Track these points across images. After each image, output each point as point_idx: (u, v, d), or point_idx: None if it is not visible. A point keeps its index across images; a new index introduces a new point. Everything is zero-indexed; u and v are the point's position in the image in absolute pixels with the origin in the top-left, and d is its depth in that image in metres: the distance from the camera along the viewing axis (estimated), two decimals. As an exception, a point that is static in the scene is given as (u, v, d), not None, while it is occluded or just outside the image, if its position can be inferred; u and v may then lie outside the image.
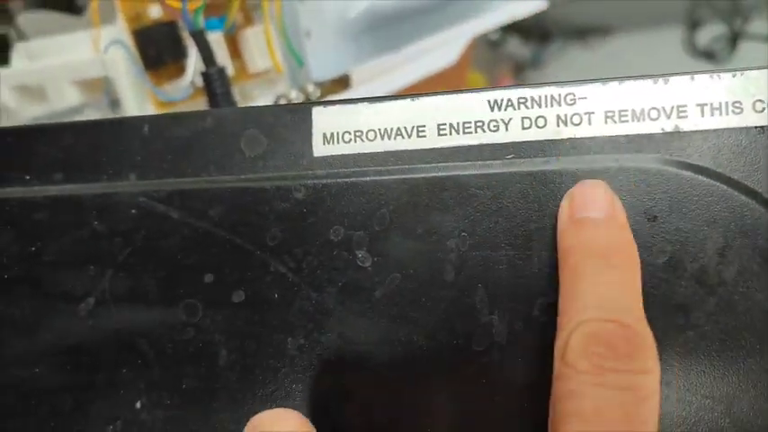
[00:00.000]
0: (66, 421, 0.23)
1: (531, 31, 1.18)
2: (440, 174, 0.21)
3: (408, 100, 0.22)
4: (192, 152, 0.23)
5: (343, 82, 0.45)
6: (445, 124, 0.22)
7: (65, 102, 0.43)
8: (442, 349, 0.21)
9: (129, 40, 0.39)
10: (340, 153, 0.22)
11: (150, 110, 0.40)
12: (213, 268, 0.22)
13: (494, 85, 1.24)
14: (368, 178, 0.22)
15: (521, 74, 1.28)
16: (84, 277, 0.23)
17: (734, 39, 1.03)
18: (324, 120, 0.23)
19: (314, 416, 0.21)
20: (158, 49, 0.38)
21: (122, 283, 0.23)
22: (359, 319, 0.21)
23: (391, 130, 0.22)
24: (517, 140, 0.21)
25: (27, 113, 0.48)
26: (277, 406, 0.22)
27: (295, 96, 0.42)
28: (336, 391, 0.22)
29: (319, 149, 0.22)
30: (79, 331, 0.23)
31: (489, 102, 0.22)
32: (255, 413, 0.20)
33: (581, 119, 0.21)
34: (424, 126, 0.22)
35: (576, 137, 0.21)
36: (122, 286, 0.23)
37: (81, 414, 0.22)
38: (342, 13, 0.50)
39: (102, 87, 0.43)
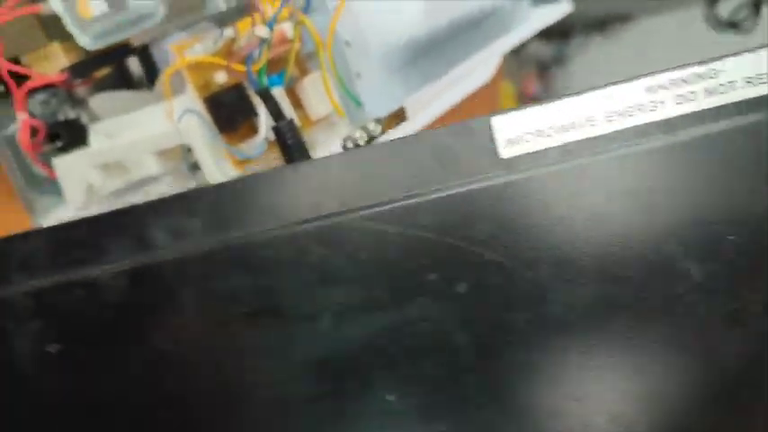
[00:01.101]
0: (329, 424, 0.26)
1: (552, 29, 1.20)
2: (631, 149, 0.26)
3: (575, 98, 0.26)
4: (387, 178, 0.27)
5: (399, 115, 0.47)
6: (612, 112, 0.26)
7: (145, 172, 0.46)
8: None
9: (200, 108, 0.41)
10: (525, 152, 0.26)
11: (229, 169, 0.42)
12: (434, 268, 0.26)
13: (522, 89, 1.25)
14: (559, 166, 0.26)
15: (545, 73, 1.29)
16: (320, 297, 0.26)
17: (756, 5, 1.03)
18: (504, 126, 0.27)
19: (553, 380, 0.24)
20: (230, 111, 0.41)
21: (356, 294, 0.26)
22: (577, 287, 0.25)
23: (566, 124, 0.26)
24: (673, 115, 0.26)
25: (109, 187, 0.51)
26: (515, 376, 0.25)
27: (359, 136, 0.44)
28: (570, 351, 0.25)
29: (506, 152, 0.27)
30: (325, 345, 0.26)
31: (646, 87, 0.26)
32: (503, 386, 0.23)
33: (726, 88, 0.26)
34: (593, 116, 0.26)
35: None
36: (356, 298, 0.26)
37: (339, 415, 0.26)
38: (385, 51, 0.52)
39: (179, 154, 0.45)
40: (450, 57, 0.59)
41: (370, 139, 0.45)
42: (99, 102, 0.51)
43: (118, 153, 0.46)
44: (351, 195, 0.27)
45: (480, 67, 0.58)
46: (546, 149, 0.27)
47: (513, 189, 0.26)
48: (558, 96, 0.27)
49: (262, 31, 0.39)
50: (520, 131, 0.27)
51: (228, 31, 0.42)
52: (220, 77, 0.42)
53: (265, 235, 0.28)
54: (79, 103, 0.57)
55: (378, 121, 0.46)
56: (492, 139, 0.27)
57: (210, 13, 0.43)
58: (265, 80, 0.40)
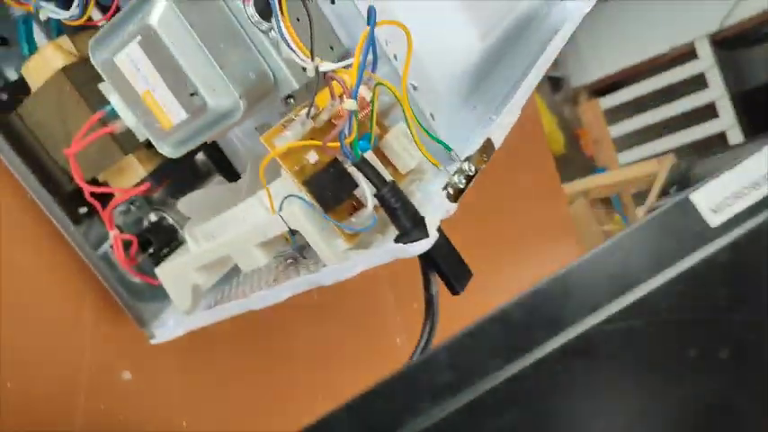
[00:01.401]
0: None
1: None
2: None
3: (756, 156, 0.27)
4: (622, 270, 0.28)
5: (486, 147, 0.46)
6: None
7: (253, 263, 0.46)
8: None
9: (300, 191, 0.41)
10: (732, 214, 0.28)
11: (341, 245, 0.42)
12: (692, 344, 0.27)
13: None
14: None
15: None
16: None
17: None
18: (701, 199, 0.28)
19: None
20: (332, 189, 0.40)
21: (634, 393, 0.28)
22: None
23: (757, 180, 0.27)
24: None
25: (210, 283, 0.51)
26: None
27: (457, 180, 0.43)
28: None
29: (715, 220, 0.28)
30: None
31: None
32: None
33: None
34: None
35: None
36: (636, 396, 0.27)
37: None
38: (450, 84, 0.51)
39: (281, 240, 0.45)
40: (508, 73, 0.58)
41: (469, 179, 0.44)
42: (187, 204, 0.51)
43: (221, 251, 0.46)
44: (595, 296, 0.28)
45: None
46: (749, 206, 0.28)
47: (734, 249, 0.28)
48: (735, 156, 0.27)
49: (349, 104, 0.38)
50: (719, 199, 0.28)
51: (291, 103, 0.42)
52: (312, 157, 0.41)
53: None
54: (160, 204, 0.57)
55: (468, 159, 0.45)
56: (698, 214, 0.28)
57: (284, 94, 0.43)
58: (359, 151, 0.40)
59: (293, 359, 0.70)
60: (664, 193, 2.05)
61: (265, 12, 0.41)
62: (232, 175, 0.60)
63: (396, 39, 0.45)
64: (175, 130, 0.42)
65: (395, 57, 0.46)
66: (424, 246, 0.39)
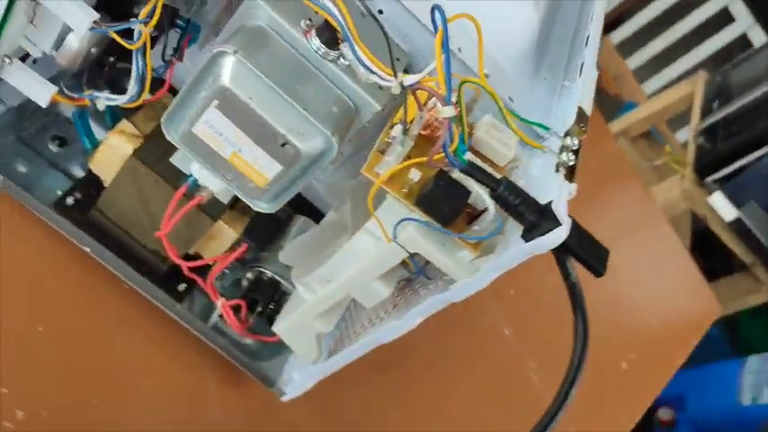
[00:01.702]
0: None
1: None
2: None
3: None
4: None
5: (581, 117, 0.44)
6: None
7: (378, 297, 0.44)
8: None
9: (412, 213, 0.39)
10: None
11: (466, 256, 0.40)
12: None
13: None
14: None
15: None
16: None
17: None
18: None
19: None
20: (447, 202, 0.38)
21: None
22: None
23: None
24: None
25: (331, 327, 0.49)
26: None
27: (566, 158, 0.41)
28: None
29: None
30: None
31: None
32: None
33: None
34: None
35: None
36: None
37: None
38: (517, 63, 0.49)
39: (399, 266, 0.43)
40: (561, 32, 0.55)
41: (576, 154, 0.42)
42: (287, 254, 0.50)
43: (341, 293, 0.45)
44: None
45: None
46: None
47: None
48: None
49: (446, 111, 0.36)
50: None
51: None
52: (414, 175, 0.39)
53: None
54: (253, 261, 0.56)
55: (569, 133, 0.43)
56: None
57: (367, 120, 0.41)
58: (464, 157, 0.38)
59: (409, 359, 0.69)
60: (706, 111, 1.98)
61: (330, 41, 0.39)
62: (314, 214, 0.58)
63: (455, 32, 0.43)
64: (271, 184, 0.40)
65: (459, 50, 0.44)
66: (560, 235, 0.37)
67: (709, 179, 1.70)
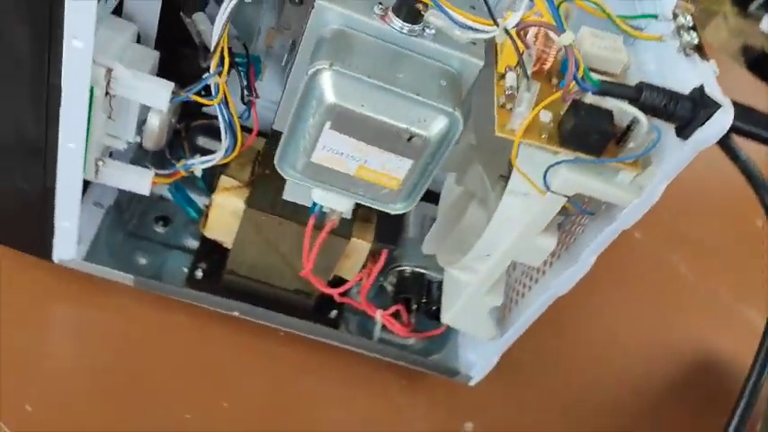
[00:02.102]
0: None
1: None
2: None
3: None
4: None
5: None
6: None
7: (545, 252, 0.42)
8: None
9: (556, 155, 0.37)
10: None
11: (626, 176, 0.37)
12: None
13: None
14: None
15: None
16: None
17: None
18: None
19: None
20: (594, 131, 0.35)
21: None
22: None
23: None
24: None
25: (501, 298, 0.47)
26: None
27: (688, 38, 0.38)
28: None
29: None
30: None
31: None
32: None
33: None
34: None
35: None
36: None
37: None
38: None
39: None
40: None
41: (694, 29, 0.39)
42: (429, 244, 0.48)
43: (505, 262, 0.43)
44: None
45: None
46: None
47: None
48: None
49: (566, 38, 0.33)
50: None
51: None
52: (544, 117, 0.37)
53: None
54: (387, 264, 0.54)
55: (676, 14, 0.40)
56: None
57: (473, 80, 0.39)
58: (593, 76, 0.35)
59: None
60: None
61: (410, 16, 0.36)
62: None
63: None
64: (404, 183, 0.38)
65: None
66: (726, 118, 0.34)
67: (752, 7, 1.63)
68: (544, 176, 0.38)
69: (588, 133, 0.36)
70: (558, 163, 0.37)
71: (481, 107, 0.42)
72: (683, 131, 0.35)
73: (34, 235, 0.45)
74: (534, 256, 0.42)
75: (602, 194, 0.38)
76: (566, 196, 0.38)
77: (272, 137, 0.49)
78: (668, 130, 0.36)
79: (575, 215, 0.44)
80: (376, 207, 0.41)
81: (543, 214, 0.39)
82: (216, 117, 0.49)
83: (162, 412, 0.47)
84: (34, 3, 0.33)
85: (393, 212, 0.41)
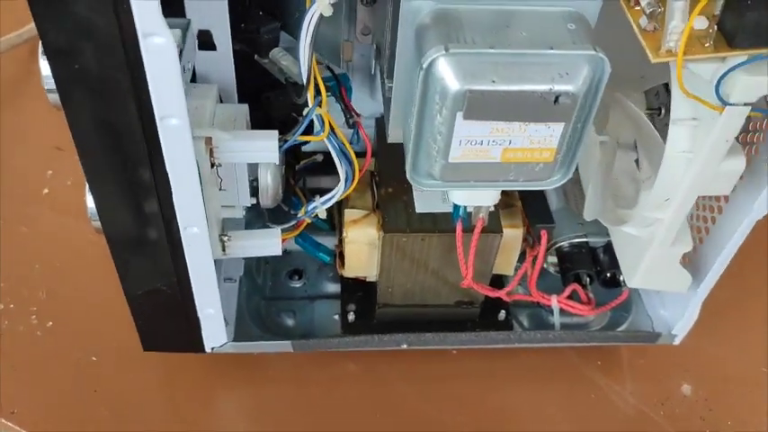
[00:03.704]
0: None
1: None
2: None
3: None
4: None
5: None
6: None
7: (735, 176, 0.36)
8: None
9: (730, 59, 0.31)
10: None
11: None
12: None
13: None
14: None
15: None
16: None
17: None
18: None
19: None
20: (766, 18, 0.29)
21: None
22: None
23: None
24: None
25: (690, 243, 0.42)
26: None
27: None
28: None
29: None
30: None
31: None
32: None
33: None
34: None
35: None
36: None
37: None
38: None
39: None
40: None
41: None
42: (591, 209, 0.43)
43: (690, 202, 0.37)
44: None
45: None
46: None
47: None
48: None
49: None
50: None
51: None
52: (700, 23, 0.31)
53: None
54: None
55: None
56: None
57: (597, 12, 0.33)
58: None
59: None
60: None
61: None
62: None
63: None
64: (560, 150, 0.33)
65: None
66: None
67: None
68: (717, 91, 0.32)
69: (760, 23, 0.30)
70: (731, 70, 0.31)
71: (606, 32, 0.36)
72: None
73: (183, 332, 0.42)
74: (724, 184, 0.37)
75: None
76: (747, 104, 0.32)
77: (381, 153, 0.46)
78: None
79: (750, 124, 0.38)
80: (532, 188, 0.36)
81: (725, 134, 0.34)
82: (315, 153, 0.46)
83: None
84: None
85: (551, 187, 0.36)
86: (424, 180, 0.35)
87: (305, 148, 0.46)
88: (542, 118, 0.32)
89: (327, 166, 0.40)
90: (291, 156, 0.46)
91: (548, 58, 0.30)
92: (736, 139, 0.35)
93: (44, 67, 0.30)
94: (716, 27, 0.31)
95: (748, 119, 0.34)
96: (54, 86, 0.30)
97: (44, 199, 0.56)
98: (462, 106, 0.31)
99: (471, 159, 0.33)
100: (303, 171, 0.48)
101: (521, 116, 0.31)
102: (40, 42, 0.28)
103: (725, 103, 0.32)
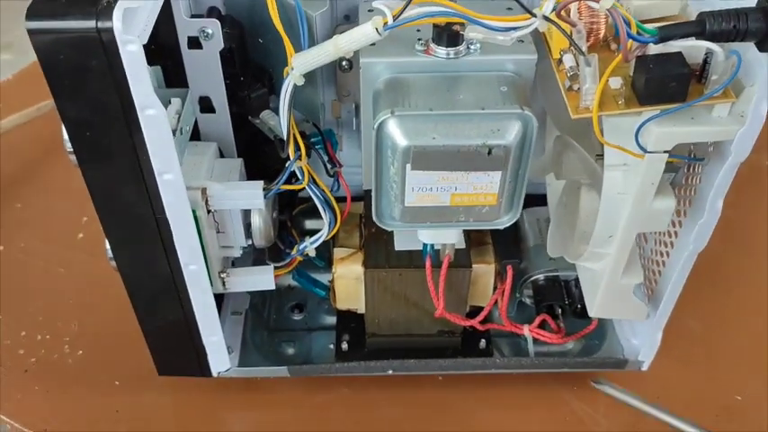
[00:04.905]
0: None
1: None
2: None
3: None
4: None
5: None
6: None
7: (668, 213, 0.40)
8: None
9: (640, 116, 0.35)
10: None
11: (722, 110, 0.35)
12: None
13: None
14: None
15: None
16: None
17: None
18: None
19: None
20: (670, 80, 0.34)
21: None
22: None
23: None
24: None
25: (641, 274, 0.46)
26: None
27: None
28: None
29: None
30: None
31: None
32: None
33: None
34: None
35: None
36: None
37: None
38: None
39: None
40: None
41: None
42: (553, 248, 0.47)
43: (630, 239, 0.41)
44: None
45: None
46: None
47: None
48: None
49: (605, 3, 0.33)
50: None
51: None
52: (615, 83, 0.36)
53: None
54: (516, 278, 0.53)
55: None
56: None
57: (532, 75, 0.38)
58: (646, 27, 0.34)
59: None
60: None
61: (451, 40, 0.37)
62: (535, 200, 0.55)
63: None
64: (502, 194, 0.38)
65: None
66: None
67: None
68: (636, 140, 0.36)
69: (664, 83, 0.34)
70: (645, 123, 0.36)
71: (552, 99, 0.41)
72: (765, 44, 0.33)
73: (192, 358, 0.48)
74: (658, 222, 0.41)
75: (703, 136, 0.36)
76: (665, 152, 0.37)
77: (367, 197, 0.51)
78: (747, 49, 0.34)
79: (685, 167, 0.42)
80: (484, 228, 0.41)
81: (650, 178, 0.38)
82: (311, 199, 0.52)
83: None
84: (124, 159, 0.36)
85: (503, 227, 0.41)
86: (387, 221, 0.40)
87: (302, 196, 0.52)
88: (480, 167, 0.37)
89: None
90: (288, 201, 0.52)
91: (479, 118, 0.35)
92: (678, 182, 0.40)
93: (65, 132, 0.37)
94: (629, 86, 0.36)
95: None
96: (72, 149, 0.37)
97: (79, 243, 0.63)
98: (410, 160, 0.36)
99: (425, 203, 0.38)
100: (301, 215, 0.54)
101: (461, 166, 0.37)
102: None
103: (645, 152, 0.37)
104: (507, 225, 0.41)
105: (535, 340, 0.51)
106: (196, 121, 0.45)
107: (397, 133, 0.35)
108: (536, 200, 0.54)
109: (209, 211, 0.41)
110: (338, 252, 0.50)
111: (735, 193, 0.40)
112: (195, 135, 0.46)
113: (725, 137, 0.36)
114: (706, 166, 0.39)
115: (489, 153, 0.36)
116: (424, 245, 0.45)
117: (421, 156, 0.36)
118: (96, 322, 0.57)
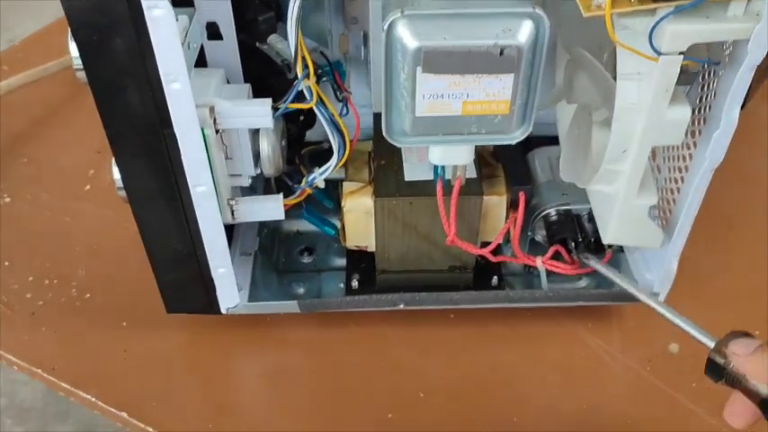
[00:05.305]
0: None
1: None
2: None
3: None
4: None
5: None
6: None
7: (684, 123, 0.40)
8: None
9: (659, 9, 0.35)
10: None
11: (737, 6, 0.35)
12: None
13: None
14: None
15: None
16: None
17: None
18: None
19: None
20: None
21: None
22: None
23: None
24: None
25: (655, 196, 0.45)
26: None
27: None
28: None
29: None
30: None
31: None
32: None
33: None
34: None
35: None
36: None
37: None
38: None
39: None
40: None
41: None
42: (566, 173, 0.46)
43: (645, 154, 0.40)
44: None
45: None
46: None
47: None
48: None
49: None
50: None
51: None
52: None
53: None
54: (529, 211, 0.53)
55: None
56: None
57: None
58: None
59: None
60: None
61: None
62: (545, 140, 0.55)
63: None
64: (514, 102, 0.37)
65: None
66: None
67: None
68: (650, 41, 0.36)
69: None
70: (659, 21, 0.35)
71: (563, 14, 0.41)
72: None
73: (201, 294, 0.48)
74: (672, 134, 0.40)
75: (718, 35, 0.36)
76: (680, 54, 0.36)
77: (377, 135, 0.50)
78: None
79: (701, 74, 0.41)
80: (496, 143, 0.40)
81: (664, 83, 0.37)
82: (321, 141, 0.51)
83: (366, 417, 0.47)
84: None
85: (515, 141, 0.40)
86: (398, 137, 0.40)
87: (310, 138, 0.52)
88: (492, 70, 0.36)
89: (331, 154, 0.45)
90: (297, 138, 0.52)
91: (490, 17, 0.35)
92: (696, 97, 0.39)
93: (72, 48, 0.36)
94: (640, -17, 0.35)
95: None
96: (81, 65, 0.36)
97: (86, 194, 0.63)
98: (420, 62, 0.35)
99: (436, 113, 0.38)
100: (309, 158, 0.53)
101: (472, 69, 0.36)
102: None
103: (658, 53, 0.36)
104: (520, 139, 0.40)
105: (548, 275, 0.50)
106: (203, 49, 0.45)
107: (406, 34, 0.35)
108: (546, 142, 0.54)
109: (217, 131, 0.41)
110: (347, 186, 0.49)
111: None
112: (202, 64, 0.45)
113: (740, 35, 0.35)
114: (722, 72, 0.39)
115: (501, 54, 0.35)
116: (435, 168, 0.44)
117: (432, 57, 0.35)
118: (103, 268, 0.56)
